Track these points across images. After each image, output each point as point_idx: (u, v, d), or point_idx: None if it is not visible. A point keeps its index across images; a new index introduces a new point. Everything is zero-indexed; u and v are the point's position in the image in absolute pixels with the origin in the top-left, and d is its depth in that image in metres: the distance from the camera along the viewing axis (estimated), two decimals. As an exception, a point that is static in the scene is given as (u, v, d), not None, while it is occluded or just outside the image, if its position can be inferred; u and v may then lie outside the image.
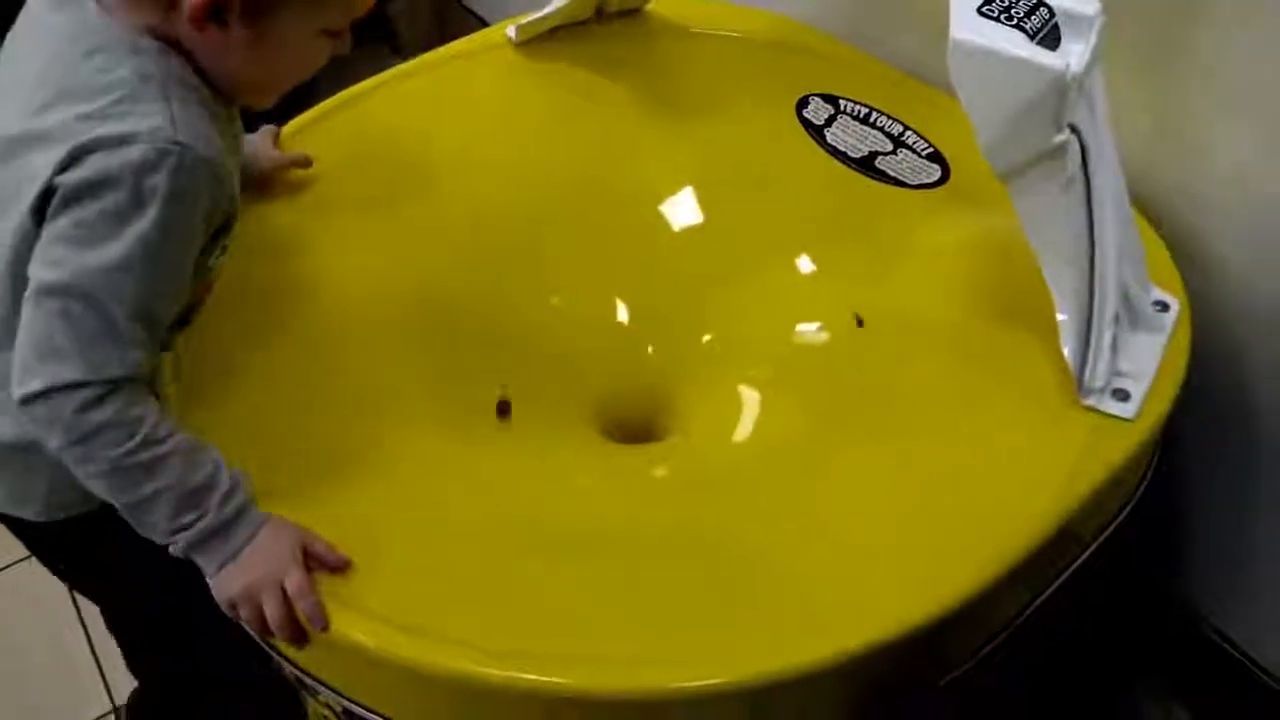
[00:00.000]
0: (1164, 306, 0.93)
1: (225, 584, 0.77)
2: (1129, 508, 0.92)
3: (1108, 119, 0.86)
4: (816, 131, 1.14)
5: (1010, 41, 0.80)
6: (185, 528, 0.76)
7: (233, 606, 0.78)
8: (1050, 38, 0.81)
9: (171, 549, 0.77)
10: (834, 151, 1.12)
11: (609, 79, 1.20)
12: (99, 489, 0.77)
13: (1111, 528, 0.91)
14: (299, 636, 0.77)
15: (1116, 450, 0.85)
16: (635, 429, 1.08)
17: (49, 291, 0.74)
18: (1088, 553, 0.90)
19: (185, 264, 0.79)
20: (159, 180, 0.73)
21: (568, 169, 1.16)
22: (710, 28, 1.25)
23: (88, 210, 0.73)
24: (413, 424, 0.93)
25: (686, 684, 0.73)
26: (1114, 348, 0.87)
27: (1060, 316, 0.87)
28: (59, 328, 0.73)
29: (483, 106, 1.20)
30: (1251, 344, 1.00)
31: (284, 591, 0.76)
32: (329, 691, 0.82)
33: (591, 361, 1.10)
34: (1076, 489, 0.82)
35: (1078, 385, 0.87)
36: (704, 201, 1.15)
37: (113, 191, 0.73)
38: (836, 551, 0.81)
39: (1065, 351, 0.87)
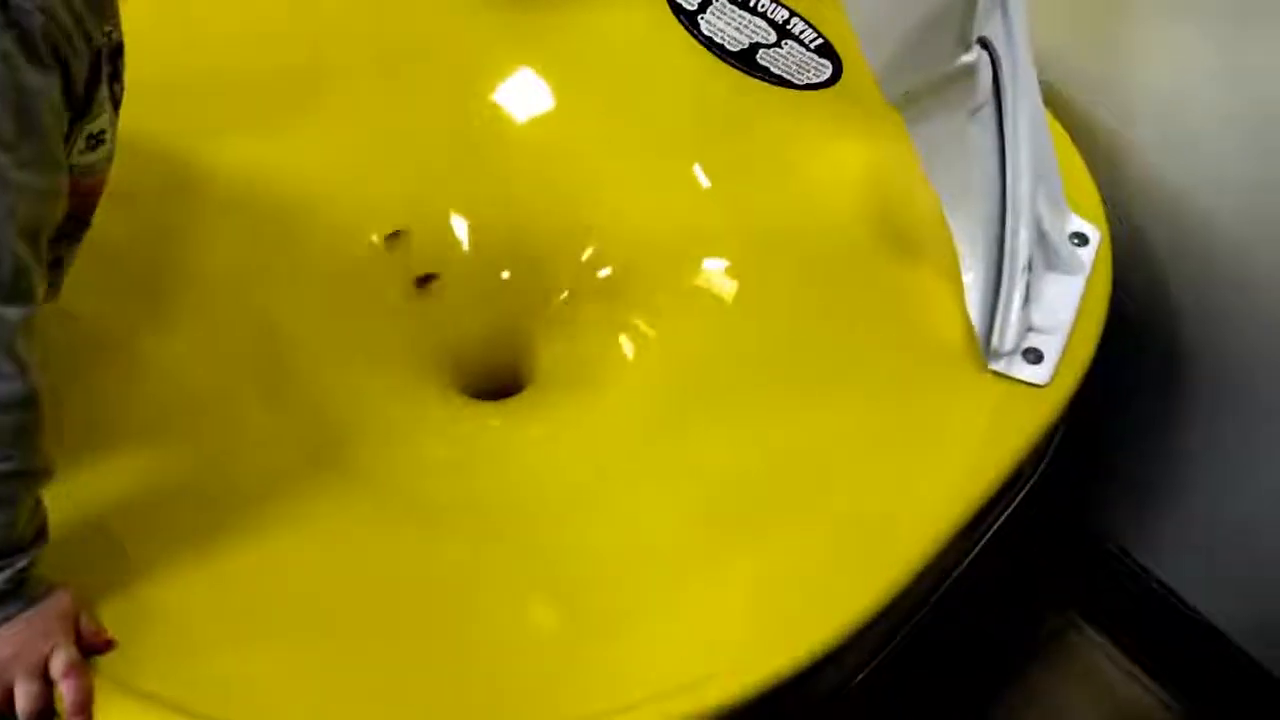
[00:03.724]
0: (1083, 239, 0.81)
1: None
2: (1042, 465, 0.83)
3: (1025, 29, 0.72)
4: (689, 18, 0.97)
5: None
6: None
7: None
8: (955, -68, 0.66)
9: None
10: (709, 43, 0.96)
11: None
12: None
13: (1025, 489, 0.82)
14: None
15: (1027, 425, 0.74)
16: (492, 379, 0.95)
17: None
18: (997, 517, 0.80)
19: None
20: None
21: (409, 65, 0.99)
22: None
23: None
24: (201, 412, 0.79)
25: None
26: (1025, 300, 0.75)
27: (966, 276, 0.74)
28: None
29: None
30: (1177, 266, 0.89)
31: (44, 672, 0.62)
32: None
33: (436, 295, 0.95)
34: (982, 477, 0.72)
35: (984, 349, 0.75)
36: (558, 104, 0.99)
37: None
38: (717, 572, 0.70)
39: (971, 313, 0.74)
